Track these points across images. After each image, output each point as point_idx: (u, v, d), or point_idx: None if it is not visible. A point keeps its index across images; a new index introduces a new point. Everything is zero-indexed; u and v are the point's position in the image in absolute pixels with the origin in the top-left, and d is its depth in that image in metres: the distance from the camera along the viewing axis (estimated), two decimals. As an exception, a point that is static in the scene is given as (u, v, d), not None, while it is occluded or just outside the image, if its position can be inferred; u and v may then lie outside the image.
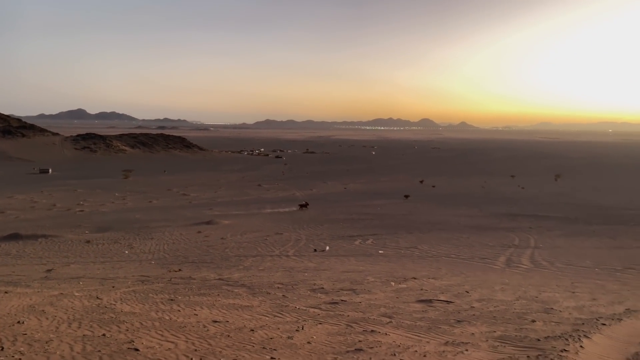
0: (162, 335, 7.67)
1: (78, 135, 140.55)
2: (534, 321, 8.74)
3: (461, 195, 55.90)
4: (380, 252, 21.73)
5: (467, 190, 63.59)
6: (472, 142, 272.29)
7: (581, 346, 7.10)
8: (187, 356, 6.49)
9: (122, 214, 42.07)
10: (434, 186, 68.78)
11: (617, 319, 9.08)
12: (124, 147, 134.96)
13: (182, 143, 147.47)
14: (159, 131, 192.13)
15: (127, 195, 58.51)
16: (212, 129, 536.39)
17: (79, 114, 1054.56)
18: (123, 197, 56.60)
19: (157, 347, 6.93)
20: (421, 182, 75.69)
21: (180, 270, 17.39)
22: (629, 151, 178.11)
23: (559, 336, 7.61)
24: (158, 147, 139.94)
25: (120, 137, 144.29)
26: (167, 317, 9.12)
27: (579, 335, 7.65)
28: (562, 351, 6.77)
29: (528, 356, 6.58)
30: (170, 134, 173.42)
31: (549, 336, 7.62)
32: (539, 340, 7.41)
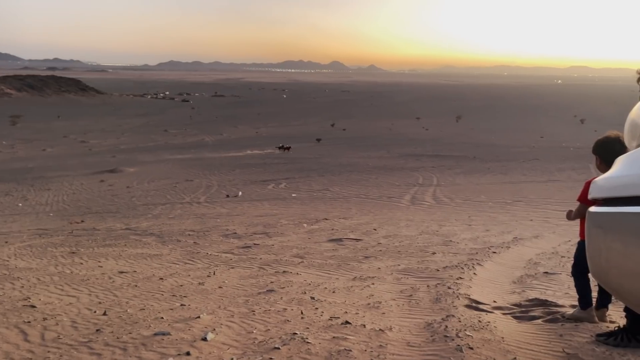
0: (62, 290, 7.26)
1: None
2: (434, 253, 9.38)
3: (370, 138, 57.53)
4: (293, 195, 21.96)
5: (376, 132, 65.51)
6: (380, 85, 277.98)
7: (474, 273, 7.77)
8: (90, 309, 6.22)
9: (12, 163, 38.53)
10: (344, 129, 69.96)
11: (506, 247, 10.01)
12: (9, 90, 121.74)
13: (77, 86, 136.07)
14: (50, 72, 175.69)
15: (17, 143, 53.51)
16: (110, 70, 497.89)
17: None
18: (12, 145, 51.70)
19: (56, 302, 6.56)
20: (332, 125, 76.65)
21: (82, 221, 16.42)
22: (520, 93, 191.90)
23: (456, 265, 8.26)
24: (49, 91, 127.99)
25: (3, 79, 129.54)
26: (68, 271, 8.65)
27: (473, 264, 8.36)
28: (458, 279, 7.37)
29: (428, 285, 7.08)
30: (63, 75, 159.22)
31: (447, 266, 8.24)
32: (438, 270, 7.99)
